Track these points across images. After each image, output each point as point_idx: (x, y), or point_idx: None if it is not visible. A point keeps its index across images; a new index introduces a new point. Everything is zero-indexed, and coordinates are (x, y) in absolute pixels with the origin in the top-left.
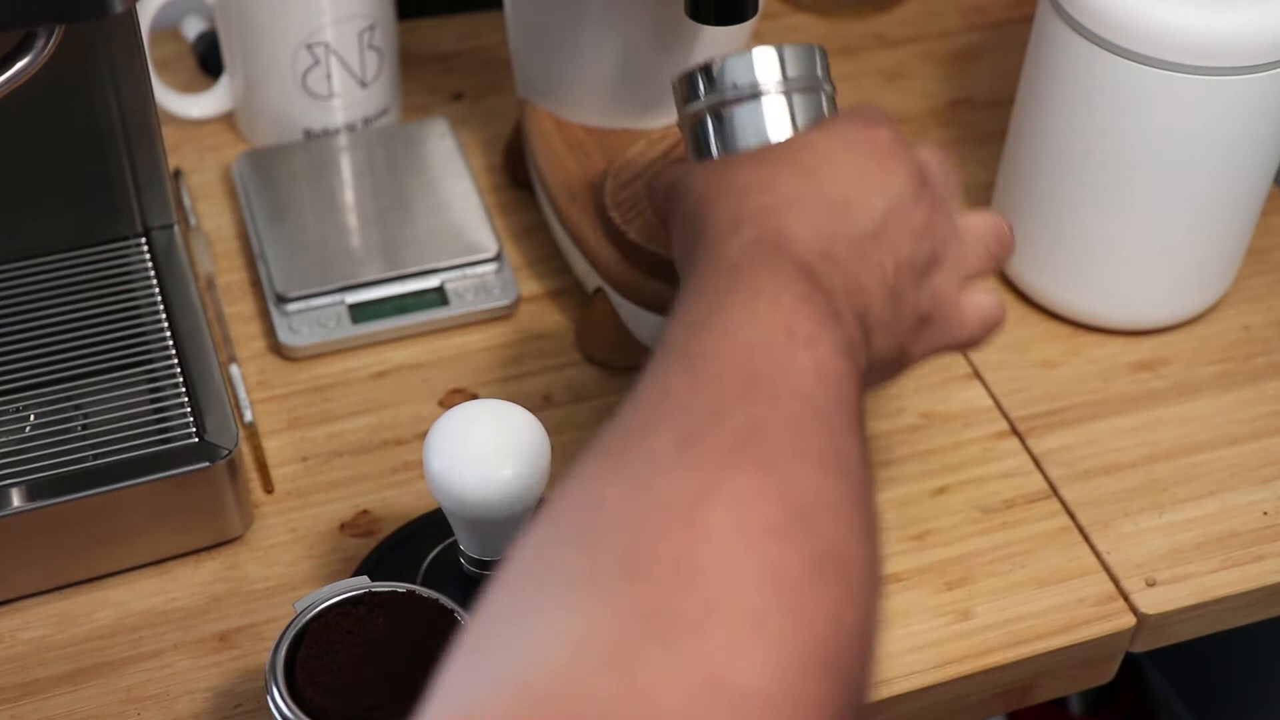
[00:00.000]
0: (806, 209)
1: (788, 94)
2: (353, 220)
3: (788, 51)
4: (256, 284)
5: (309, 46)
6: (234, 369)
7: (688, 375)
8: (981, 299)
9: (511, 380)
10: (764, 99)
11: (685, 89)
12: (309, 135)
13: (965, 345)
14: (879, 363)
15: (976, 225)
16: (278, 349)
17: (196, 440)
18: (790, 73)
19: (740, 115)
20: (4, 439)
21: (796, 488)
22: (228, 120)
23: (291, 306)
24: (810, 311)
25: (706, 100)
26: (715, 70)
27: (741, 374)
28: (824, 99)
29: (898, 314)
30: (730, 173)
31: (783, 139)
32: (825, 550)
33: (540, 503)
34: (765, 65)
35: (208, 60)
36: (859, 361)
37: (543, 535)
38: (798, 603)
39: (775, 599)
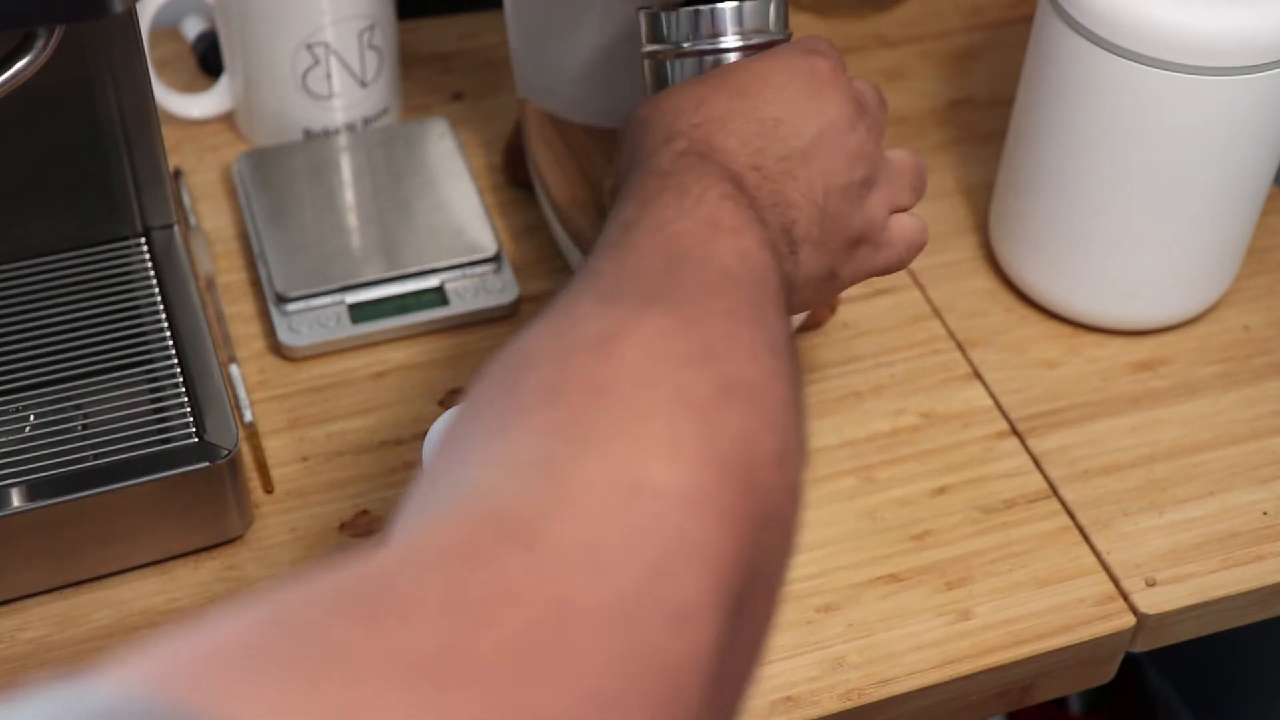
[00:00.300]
0: (737, 126)
1: (746, 49)
2: (353, 220)
3: (747, 8)
4: (256, 284)
5: (309, 46)
6: (234, 369)
7: (614, 260)
8: (907, 221)
9: None
10: (725, 55)
11: (651, 28)
12: (309, 135)
13: (893, 268)
14: (810, 281)
15: (901, 160)
16: (278, 349)
17: (196, 440)
18: (748, 24)
19: (700, 65)
20: (4, 439)
21: (709, 329)
22: (228, 120)
23: (291, 306)
24: (734, 209)
25: (670, 44)
26: (682, 18)
27: (665, 254)
28: None
29: (826, 234)
30: (668, 96)
31: None
32: (734, 378)
33: None
34: (729, 20)
35: (208, 60)
36: (784, 267)
37: (477, 391)
38: (707, 421)
39: (685, 415)
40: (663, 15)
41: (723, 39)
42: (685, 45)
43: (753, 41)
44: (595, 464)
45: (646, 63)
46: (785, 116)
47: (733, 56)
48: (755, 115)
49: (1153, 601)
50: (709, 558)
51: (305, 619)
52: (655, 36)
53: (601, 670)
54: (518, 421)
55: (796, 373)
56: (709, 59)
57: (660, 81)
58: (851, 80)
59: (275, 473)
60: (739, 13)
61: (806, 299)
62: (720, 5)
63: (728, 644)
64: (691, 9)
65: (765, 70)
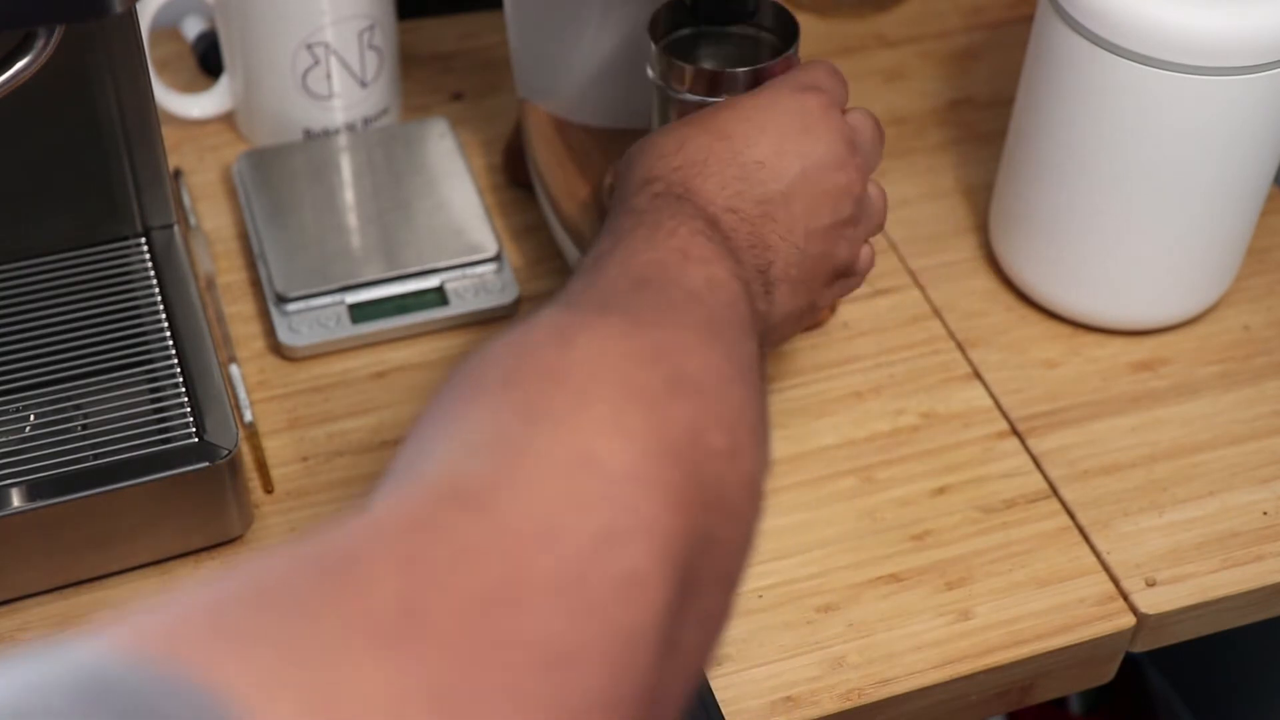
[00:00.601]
0: (716, 169)
1: None
2: (353, 220)
3: (763, 71)
4: (256, 284)
5: (309, 46)
6: (234, 369)
7: (581, 284)
8: (866, 249)
9: None
10: None
11: (663, 69)
12: (309, 135)
13: (852, 290)
14: (789, 317)
15: (875, 194)
16: (278, 349)
17: (196, 440)
18: (761, 81)
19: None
20: (4, 439)
21: (663, 334)
22: (228, 120)
23: (291, 306)
24: (706, 243)
25: (679, 93)
26: (694, 76)
27: (632, 277)
28: None
29: (806, 273)
30: (653, 139)
31: None
32: (682, 376)
33: None
34: (742, 84)
35: (208, 60)
36: (757, 305)
37: (443, 389)
38: (654, 410)
39: (632, 404)
40: (681, 68)
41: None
42: (692, 99)
43: None
44: (546, 440)
45: (655, 92)
46: (767, 159)
47: None
48: (736, 158)
49: (1153, 601)
50: (654, 530)
51: (276, 585)
52: (667, 80)
53: (554, 631)
54: (475, 404)
55: (757, 383)
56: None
57: (665, 111)
58: (850, 113)
59: (275, 473)
60: (754, 76)
61: (786, 334)
62: (736, 71)
63: (676, 618)
64: (703, 72)
65: (751, 110)
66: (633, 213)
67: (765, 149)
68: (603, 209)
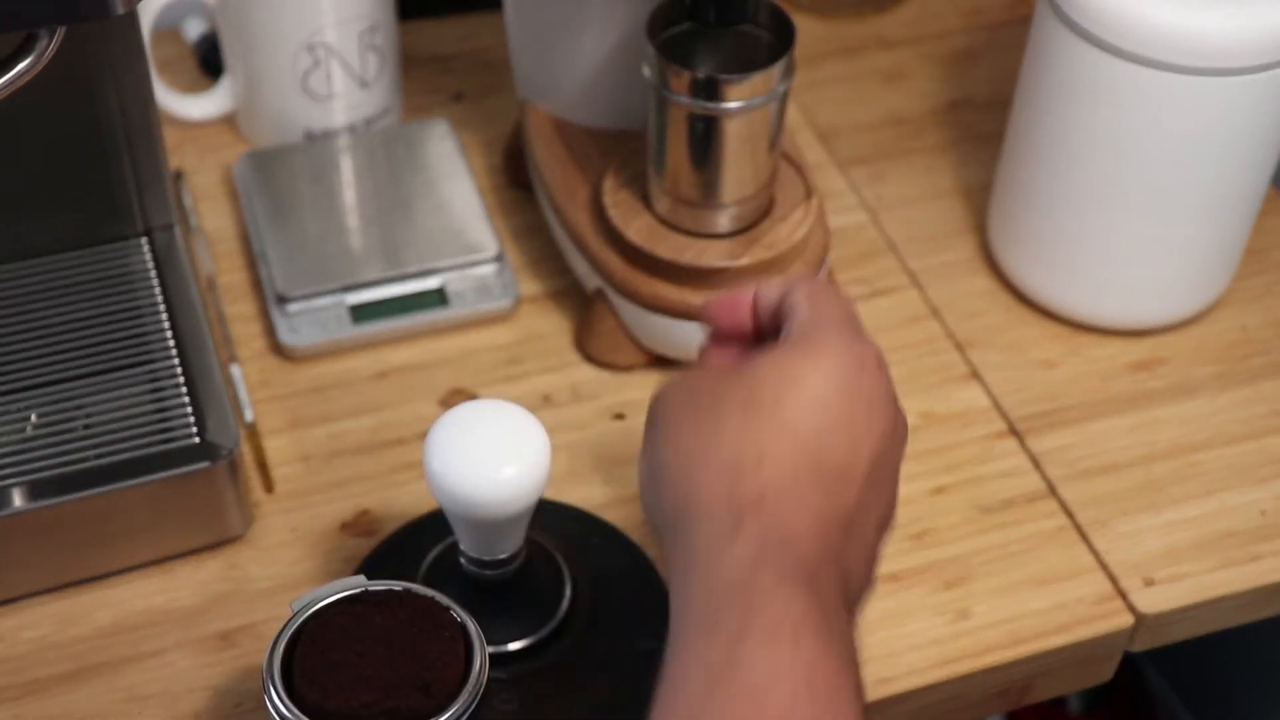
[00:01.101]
0: (806, 493)
1: (746, 109)
2: (353, 221)
3: (756, 78)
4: (257, 284)
5: (310, 47)
6: (235, 369)
7: (712, 710)
8: None
9: (511, 380)
10: (725, 114)
11: (659, 72)
12: (310, 136)
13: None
14: (863, 593)
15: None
16: (278, 349)
17: (197, 440)
18: (750, 89)
19: (706, 120)
20: (5, 439)
21: None
22: (229, 121)
23: (292, 307)
24: (814, 638)
25: (673, 95)
26: (688, 80)
27: None
28: (774, 109)
29: (872, 570)
30: (719, 433)
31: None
32: None
33: (540, 502)
34: (734, 88)
35: (209, 61)
36: (849, 631)
37: None
38: None
39: None
40: (676, 71)
41: (726, 104)
42: (683, 101)
43: (754, 103)
44: None
45: (651, 92)
46: (848, 462)
47: (733, 114)
48: (820, 467)
49: (1151, 601)
50: None
51: None
52: (663, 81)
53: None
54: None
55: None
56: (711, 114)
57: (661, 111)
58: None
59: (276, 472)
60: (747, 83)
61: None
62: (730, 77)
63: None
64: (698, 77)
65: (822, 397)
66: (727, 589)
67: (842, 451)
68: (602, 208)
